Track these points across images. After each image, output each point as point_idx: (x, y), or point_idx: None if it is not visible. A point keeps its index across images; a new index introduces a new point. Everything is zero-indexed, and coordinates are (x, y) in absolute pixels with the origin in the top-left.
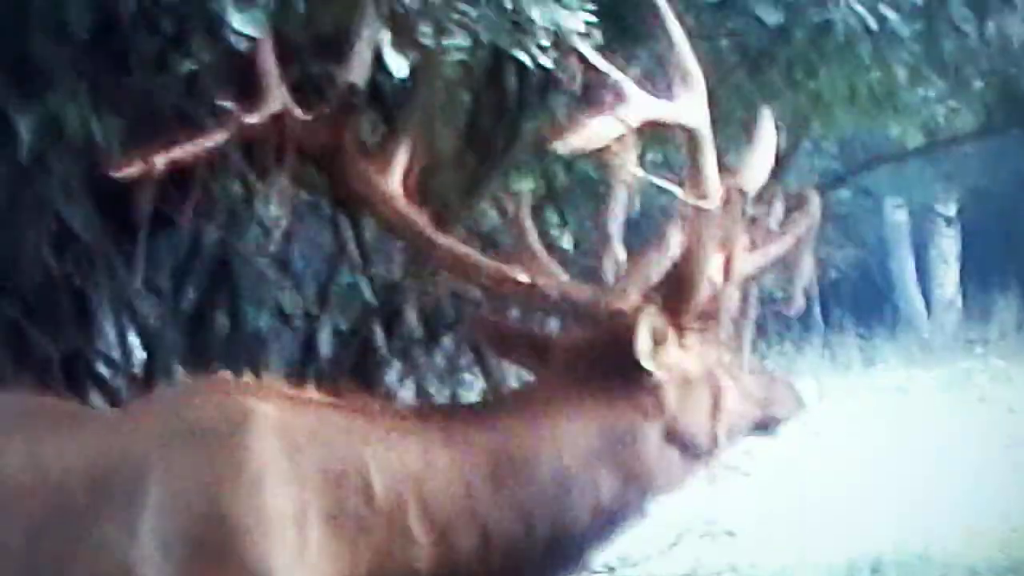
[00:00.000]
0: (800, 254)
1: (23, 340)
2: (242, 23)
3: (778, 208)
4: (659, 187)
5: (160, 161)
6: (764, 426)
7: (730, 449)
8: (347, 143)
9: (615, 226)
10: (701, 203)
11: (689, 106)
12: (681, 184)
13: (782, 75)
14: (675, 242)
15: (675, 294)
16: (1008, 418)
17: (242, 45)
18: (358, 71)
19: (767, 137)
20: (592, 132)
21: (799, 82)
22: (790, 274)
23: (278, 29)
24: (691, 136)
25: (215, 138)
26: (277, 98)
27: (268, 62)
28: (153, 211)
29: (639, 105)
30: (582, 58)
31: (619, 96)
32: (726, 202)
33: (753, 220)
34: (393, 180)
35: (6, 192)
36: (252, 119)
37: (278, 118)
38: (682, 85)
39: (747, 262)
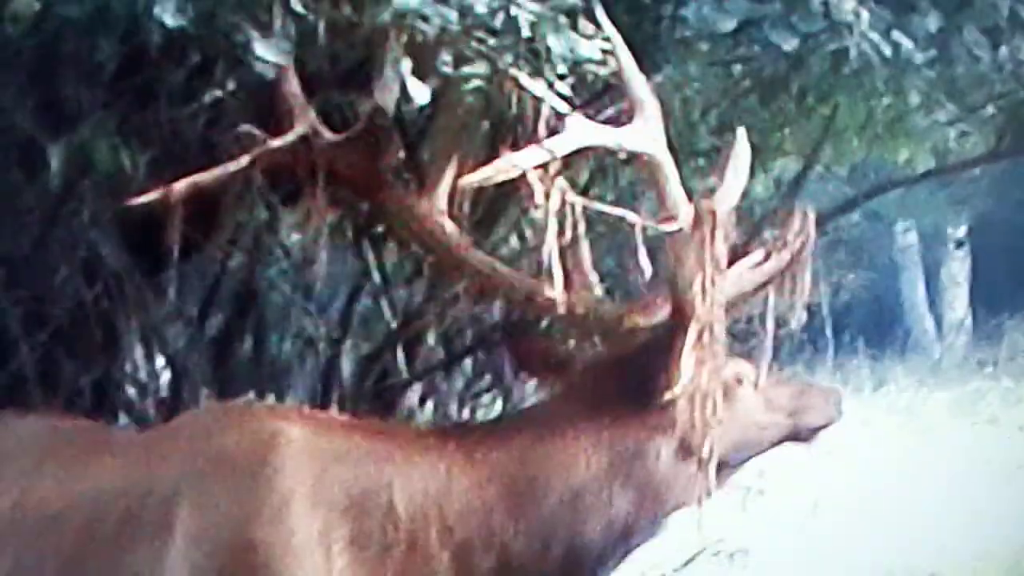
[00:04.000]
0: (798, 270)
1: (54, 365)
2: (266, 51)
3: (778, 223)
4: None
5: (181, 186)
6: (798, 435)
7: (753, 460)
8: (380, 164)
9: (550, 253)
10: (667, 226)
11: (640, 132)
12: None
13: (795, 101)
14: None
15: (671, 315)
16: (1019, 438)
17: (267, 73)
18: (386, 94)
19: (741, 156)
20: (505, 163)
21: (812, 108)
22: (792, 291)
23: (300, 59)
24: (648, 162)
25: (239, 163)
26: (304, 121)
27: (293, 86)
28: (181, 239)
29: (575, 134)
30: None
31: (556, 124)
32: (697, 223)
33: (754, 238)
34: (439, 200)
35: (38, 222)
36: (278, 143)
37: (305, 141)
38: (636, 112)
39: (743, 278)
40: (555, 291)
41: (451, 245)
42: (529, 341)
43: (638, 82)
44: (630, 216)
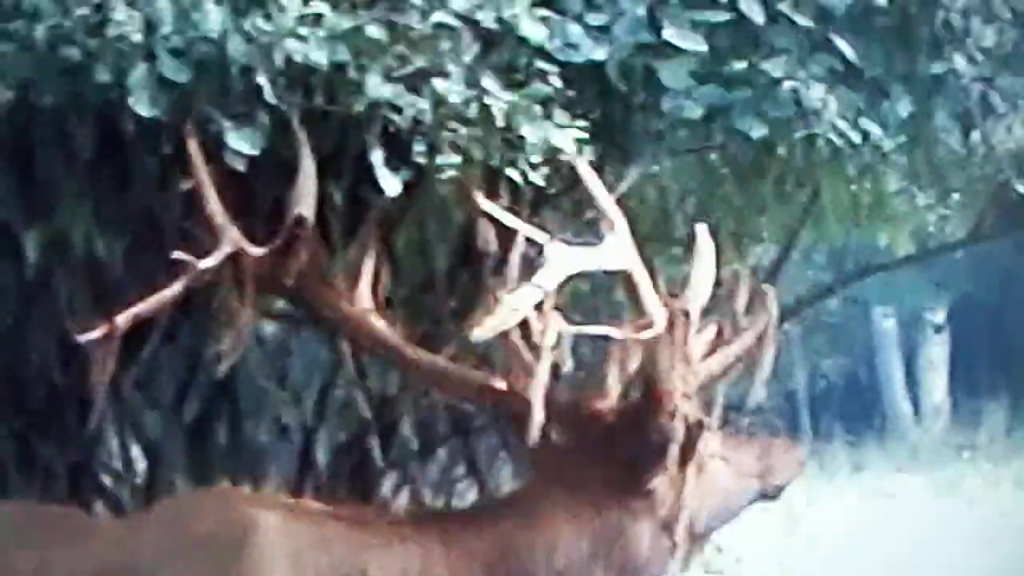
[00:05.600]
0: (762, 350)
1: (29, 451)
2: (238, 142)
3: (742, 296)
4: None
5: (123, 320)
6: (766, 495)
7: (731, 548)
8: (301, 272)
9: (538, 390)
10: (643, 335)
11: (614, 249)
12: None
13: (772, 188)
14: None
15: (645, 405)
16: (998, 522)
17: (238, 164)
18: (305, 202)
19: (705, 253)
20: (508, 309)
21: (789, 194)
22: (754, 371)
23: (276, 150)
24: (623, 277)
25: (174, 291)
26: (229, 240)
27: (214, 205)
28: (155, 327)
29: (559, 264)
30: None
31: (538, 259)
32: (671, 324)
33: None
34: (362, 299)
35: (14, 308)
36: (207, 264)
37: (234, 259)
38: (608, 229)
39: (711, 363)
40: (533, 421)
41: (386, 344)
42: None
43: (604, 199)
44: (613, 333)
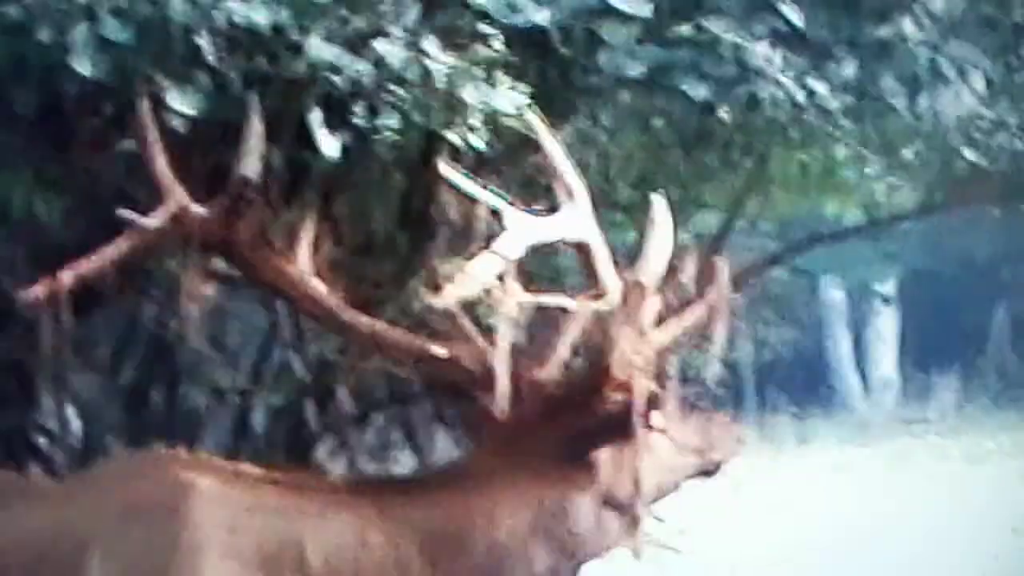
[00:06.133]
0: (713, 322)
1: None
2: (180, 103)
3: (690, 269)
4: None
5: (67, 277)
6: (705, 471)
7: (674, 519)
8: (245, 233)
9: (501, 357)
10: (599, 306)
11: (574, 219)
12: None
13: (718, 155)
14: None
15: (592, 377)
16: (948, 497)
17: (179, 126)
18: (249, 164)
19: (661, 224)
20: (470, 278)
21: (735, 162)
22: (707, 344)
23: (215, 113)
24: (581, 248)
25: (119, 248)
26: (174, 198)
27: (159, 163)
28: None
29: (519, 233)
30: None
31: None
32: (626, 295)
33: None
34: (301, 262)
35: None
36: (152, 223)
37: (178, 217)
38: (566, 198)
39: (660, 335)
40: (500, 393)
41: (324, 307)
42: (450, 397)
43: (567, 169)
44: (570, 304)
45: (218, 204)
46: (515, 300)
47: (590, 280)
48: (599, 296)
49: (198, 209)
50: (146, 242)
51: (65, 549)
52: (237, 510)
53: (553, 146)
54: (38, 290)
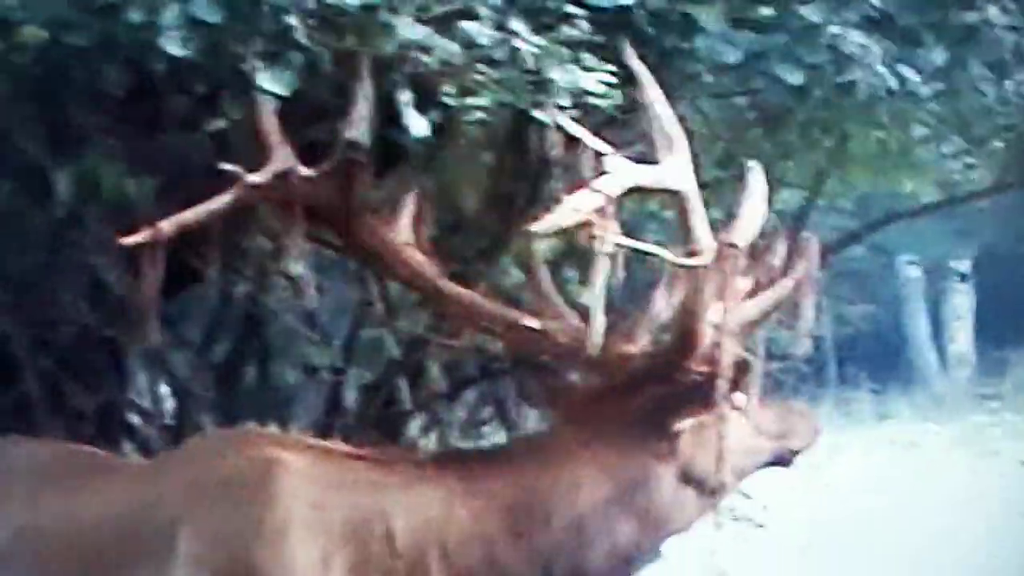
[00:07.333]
0: (802, 299)
1: (59, 391)
2: (269, 82)
3: (780, 251)
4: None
5: (168, 227)
6: (782, 459)
7: (744, 484)
8: (351, 198)
9: (597, 297)
10: (693, 262)
11: (674, 170)
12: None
13: (799, 133)
14: (676, 293)
15: (679, 344)
16: (1020, 472)
17: (269, 104)
18: (358, 128)
19: (757, 190)
20: (569, 208)
21: (816, 140)
22: (795, 321)
23: (306, 89)
24: (678, 199)
25: (222, 201)
26: (280, 158)
27: (269, 123)
28: (185, 266)
29: (620, 175)
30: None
31: (600, 167)
32: (719, 258)
33: (755, 264)
34: (402, 232)
35: (44, 247)
36: (256, 180)
37: (283, 177)
38: (666, 149)
39: (748, 308)
40: (594, 335)
41: (427, 278)
42: (534, 372)
43: (668, 119)
44: (666, 254)
45: (324, 167)
46: (612, 239)
47: (684, 236)
48: (694, 253)
49: (304, 170)
50: (249, 199)
51: (155, 525)
52: (324, 486)
53: (656, 95)
54: (140, 236)
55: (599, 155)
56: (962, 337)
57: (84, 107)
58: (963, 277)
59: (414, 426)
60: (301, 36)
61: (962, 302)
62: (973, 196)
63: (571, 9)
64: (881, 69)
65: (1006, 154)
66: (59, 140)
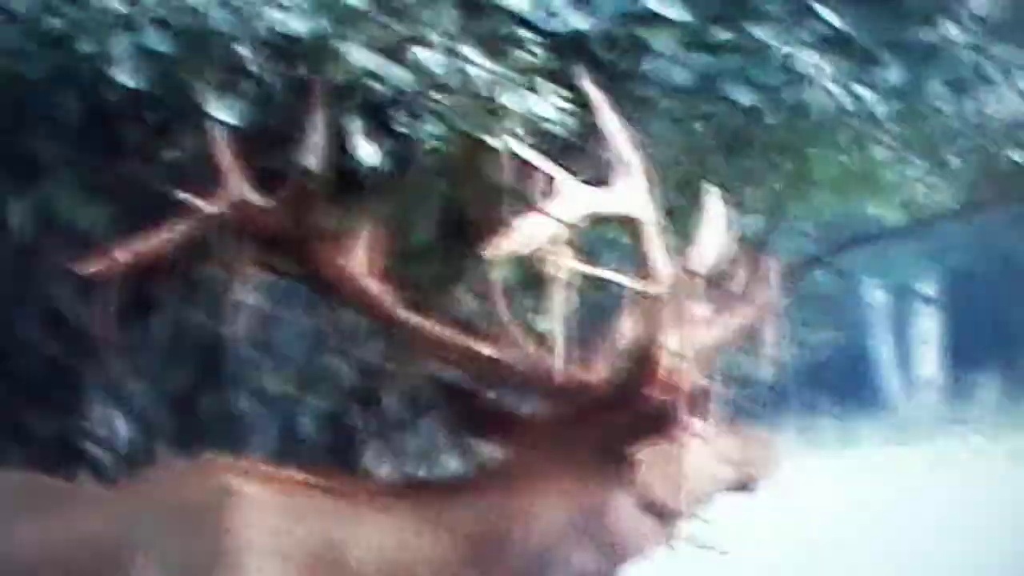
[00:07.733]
0: (763, 324)
1: (16, 420)
2: (222, 112)
3: (740, 276)
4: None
5: (123, 255)
6: (742, 486)
7: (703, 511)
8: (306, 227)
9: (557, 322)
10: (650, 289)
11: (629, 195)
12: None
13: (759, 157)
14: (635, 320)
15: (636, 371)
16: (991, 497)
17: (222, 134)
18: (312, 156)
19: (715, 215)
20: (522, 235)
21: (776, 164)
22: (756, 347)
23: (258, 119)
24: (634, 224)
25: (176, 229)
26: (235, 187)
27: (223, 152)
28: (142, 295)
29: (573, 199)
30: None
31: (553, 193)
32: (677, 284)
33: (715, 289)
34: (358, 260)
35: (1, 278)
36: (211, 209)
37: (238, 206)
38: (621, 174)
39: (707, 334)
40: (556, 362)
41: (379, 305)
42: (472, 402)
43: (624, 143)
44: (626, 281)
45: (279, 195)
46: (569, 265)
47: (641, 262)
48: (651, 281)
49: (258, 199)
50: (202, 227)
51: (112, 555)
52: (282, 516)
53: (611, 119)
54: (97, 265)
55: (552, 180)
56: (928, 361)
57: (40, 137)
58: (929, 300)
59: (370, 454)
60: (253, 65)
61: (928, 325)
62: (938, 218)
63: (524, 34)
64: (835, 88)
65: (972, 175)
66: (14, 169)
